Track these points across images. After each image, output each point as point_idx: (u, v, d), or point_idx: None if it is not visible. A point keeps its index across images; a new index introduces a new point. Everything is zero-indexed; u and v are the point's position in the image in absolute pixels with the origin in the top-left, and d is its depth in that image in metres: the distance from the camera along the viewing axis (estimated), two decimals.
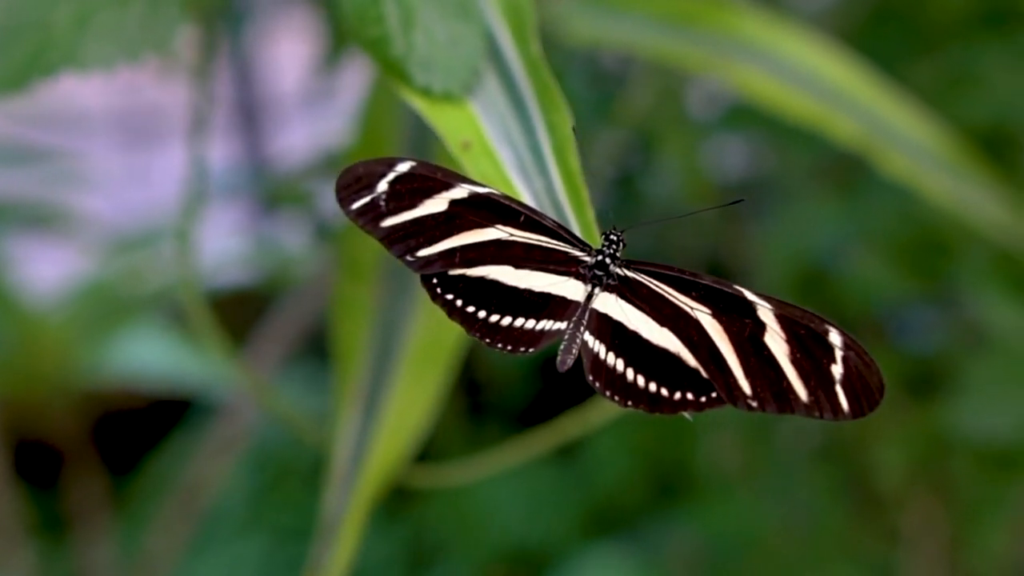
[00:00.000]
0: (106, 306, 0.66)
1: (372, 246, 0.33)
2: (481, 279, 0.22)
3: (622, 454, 0.64)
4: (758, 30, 0.41)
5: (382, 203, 0.22)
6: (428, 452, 0.34)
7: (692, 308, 0.21)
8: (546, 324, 0.21)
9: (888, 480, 0.51)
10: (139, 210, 0.77)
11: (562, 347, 0.21)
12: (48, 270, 0.75)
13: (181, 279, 0.32)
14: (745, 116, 0.52)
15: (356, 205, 0.22)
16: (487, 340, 0.21)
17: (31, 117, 0.67)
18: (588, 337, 0.21)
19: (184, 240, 0.31)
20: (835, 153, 0.46)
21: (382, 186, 0.22)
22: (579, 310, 0.21)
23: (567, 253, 0.22)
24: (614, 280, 0.21)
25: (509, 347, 0.21)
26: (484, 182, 0.22)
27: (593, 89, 0.60)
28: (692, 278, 0.21)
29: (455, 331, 0.31)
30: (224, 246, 0.80)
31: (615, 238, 0.22)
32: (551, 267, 0.22)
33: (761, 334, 0.20)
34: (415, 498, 0.69)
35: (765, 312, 0.20)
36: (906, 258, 0.49)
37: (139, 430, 0.81)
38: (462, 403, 0.70)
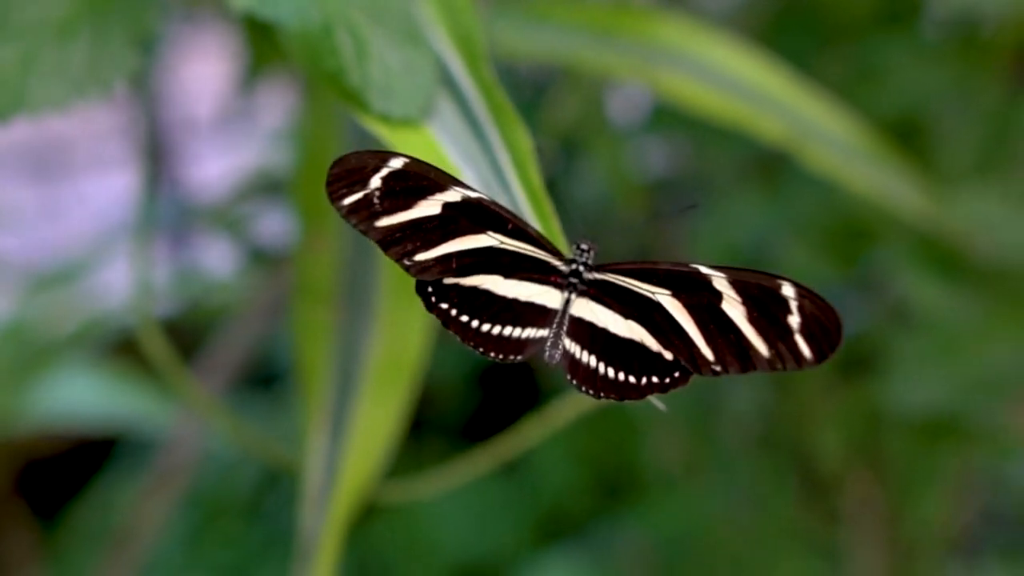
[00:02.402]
0: (26, 349, 0.63)
1: (329, 267, 0.33)
2: (474, 289, 0.22)
3: (567, 460, 0.65)
4: (678, 36, 0.42)
5: (376, 201, 0.22)
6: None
7: (654, 293, 0.22)
8: (531, 332, 0.22)
9: (827, 461, 0.53)
10: (52, 246, 0.74)
11: (547, 350, 0.22)
12: None
13: (135, 308, 0.32)
14: (669, 118, 0.53)
15: (348, 201, 0.21)
16: (480, 349, 0.22)
17: None
18: (566, 341, 0.22)
19: (138, 267, 0.31)
20: (757, 149, 0.47)
21: (375, 182, 0.22)
22: (558, 317, 0.22)
23: (547, 263, 0.23)
24: (585, 286, 0.23)
25: (500, 355, 0.22)
26: (472, 186, 0.22)
27: (512, 96, 0.60)
28: (652, 266, 0.22)
29: (416, 348, 0.32)
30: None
31: (586, 247, 0.23)
32: (535, 276, 0.22)
33: (718, 302, 0.21)
34: (361, 519, 0.69)
35: (719, 281, 0.21)
36: (831, 246, 0.50)
37: (66, 474, 0.78)
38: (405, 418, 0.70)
